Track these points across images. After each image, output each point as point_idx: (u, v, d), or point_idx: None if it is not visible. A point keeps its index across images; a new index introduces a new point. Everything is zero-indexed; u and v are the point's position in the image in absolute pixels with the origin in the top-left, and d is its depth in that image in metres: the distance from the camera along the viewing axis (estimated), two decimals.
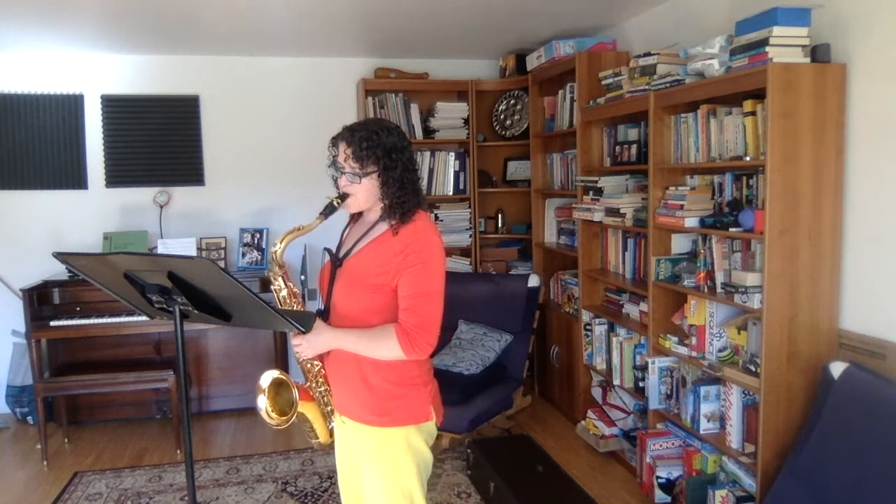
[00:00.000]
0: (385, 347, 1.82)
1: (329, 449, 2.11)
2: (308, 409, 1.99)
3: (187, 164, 4.74)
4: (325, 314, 1.95)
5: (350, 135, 1.83)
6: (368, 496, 1.98)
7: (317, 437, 2.05)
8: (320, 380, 2.01)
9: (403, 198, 1.84)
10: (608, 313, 3.83)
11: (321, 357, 1.99)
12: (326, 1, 3.49)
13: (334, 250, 2.00)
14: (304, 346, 1.88)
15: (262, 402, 1.91)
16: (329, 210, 1.86)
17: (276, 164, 4.85)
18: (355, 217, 2.04)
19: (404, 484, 1.93)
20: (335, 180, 1.91)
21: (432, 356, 1.93)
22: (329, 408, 2.04)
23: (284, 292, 1.94)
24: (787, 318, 2.56)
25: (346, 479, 2.14)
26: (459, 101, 4.90)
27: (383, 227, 1.89)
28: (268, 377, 1.93)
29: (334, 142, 1.88)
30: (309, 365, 1.99)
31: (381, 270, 1.83)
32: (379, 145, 1.81)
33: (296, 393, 1.92)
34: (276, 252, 1.89)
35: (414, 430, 1.92)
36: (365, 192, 1.85)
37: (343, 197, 1.87)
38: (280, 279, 1.92)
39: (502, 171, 5.14)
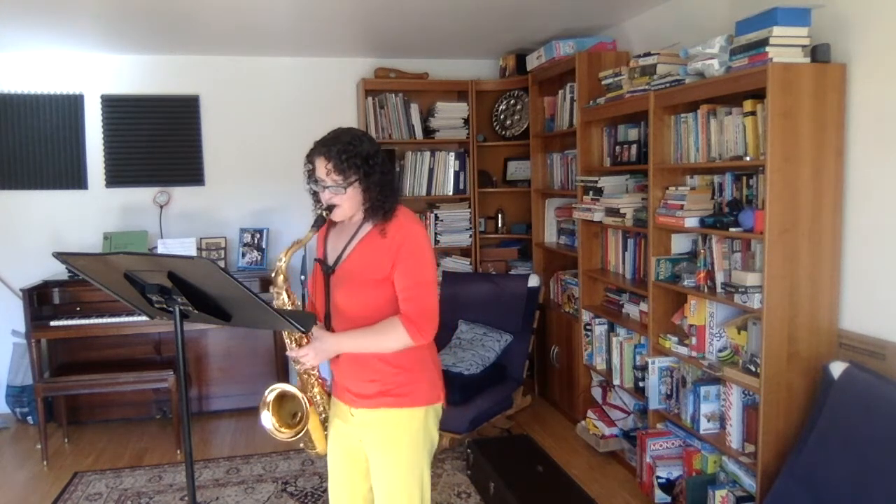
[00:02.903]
0: (392, 339, 1.89)
1: (324, 455, 2.13)
2: (311, 419, 2.01)
3: (187, 164, 4.74)
4: (326, 322, 1.99)
5: (327, 150, 1.88)
6: (382, 482, 2.01)
7: (314, 448, 2.07)
8: (316, 388, 2.04)
9: (384, 198, 1.92)
10: (608, 313, 3.83)
11: (332, 358, 2.01)
12: (326, 1, 3.49)
13: (318, 259, 2.05)
14: (311, 356, 1.91)
15: (269, 420, 1.94)
16: (320, 222, 1.93)
17: (276, 164, 4.85)
18: (332, 224, 2.07)
19: (418, 465, 2.01)
20: (315, 194, 1.98)
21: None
22: (324, 416, 2.07)
23: (288, 304, 1.95)
24: (787, 318, 2.56)
25: (343, 480, 2.14)
26: (459, 101, 4.89)
27: (368, 227, 1.97)
28: (273, 391, 1.95)
29: (310, 158, 1.94)
30: (306, 376, 2.01)
31: (378, 266, 1.91)
32: (357, 154, 1.88)
33: (305, 404, 1.94)
34: (281, 267, 1.93)
35: (431, 410, 2.02)
36: (349, 202, 1.92)
37: (329, 208, 1.93)
38: (284, 292, 1.94)
39: (502, 171, 5.14)
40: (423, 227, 1.99)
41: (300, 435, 1.96)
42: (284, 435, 1.95)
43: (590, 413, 3.86)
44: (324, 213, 1.92)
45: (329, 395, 2.11)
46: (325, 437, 2.09)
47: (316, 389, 2.04)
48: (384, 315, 1.92)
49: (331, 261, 2.00)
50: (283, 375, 4.44)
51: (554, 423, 4.29)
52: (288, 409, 1.98)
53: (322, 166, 1.89)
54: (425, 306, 1.90)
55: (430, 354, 2.02)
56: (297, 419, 1.97)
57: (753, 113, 2.62)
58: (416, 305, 1.89)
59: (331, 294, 1.97)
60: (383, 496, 2.02)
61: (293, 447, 4.01)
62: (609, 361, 3.79)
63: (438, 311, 1.95)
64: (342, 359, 2.00)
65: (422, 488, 2.02)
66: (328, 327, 1.99)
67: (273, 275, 1.95)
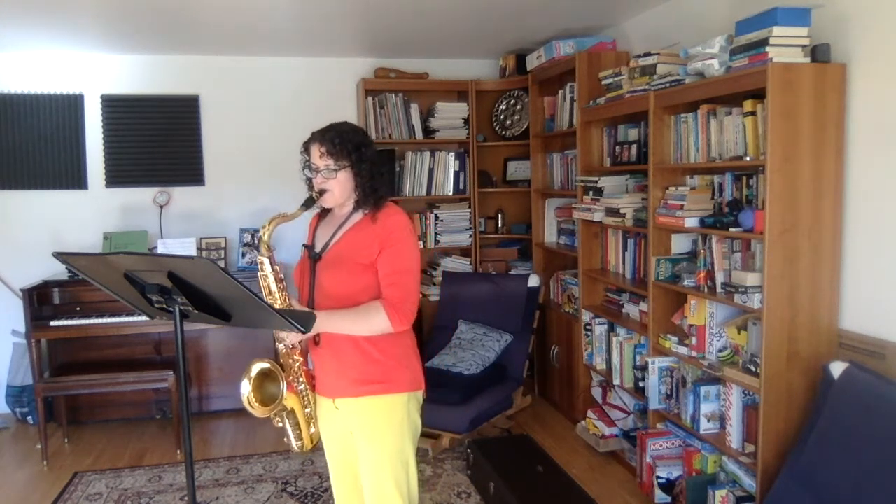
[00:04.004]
0: (373, 321, 1.94)
1: (316, 455, 2.13)
2: (294, 403, 2.03)
3: (187, 164, 4.74)
4: (309, 307, 2.02)
5: (321, 136, 2.00)
6: (368, 468, 2.05)
7: (300, 439, 2.07)
8: (301, 378, 2.06)
9: (375, 186, 2.02)
10: (608, 313, 3.83)
11: (313, 346, 2.05)
12: (326, 1, 3.49)
13: (306, 245, 2.11)
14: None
15: (246, 389, 1.94)
16: (309, 202, 2.01)
17: (276, 164, 4.84)
18: (322, 216, 2.17)
19: (403, 451, 2.05)
20: (309, 182, 2.07)
21: (427, 358, 1.98)
22: (308, 410, 2.08)
23: (268, 270, 1.97)
24: (787, 318, 2.56)
25: (344, 473, 2.18)
26: (459, 101, 4.90)
27: (358, 216, 2.06)
28: (257, 366, 1.97)
29: (306, 146, 2.05)
30: (290, 360, 2.03)
31: (368, 251, 1.98)
32: (349, 141, 2.00)
33: (283, 385, 1.96)
34: (262, 237, 1.98)
35: (413, 397, 2.07)
36: (340, 187, 2.01)
37: (321, 193, 2.01)
38: (267, 260, 1.97)
39: (502, 171, 5.14)
40: (410, 220, 2.07)
41: (272, 412, 1.97)
42: (255, 408, 1.96)
43: (590, 413, 3.86)
44: (314, 195, 2.00)
45: (313, 388, 2.12)
46: (312, 435, 2.10)
47: (301, 378, 2.05)
48: (368, 297, 1.99)
49: (318, 248, 2.07)
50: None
51: (554, 423, 4.29)
52: (270, 391, 1.99)
53: (316, 151, 2.00)
54: (408, 292, 1.98)
55: (409, 342, 2.09)
56: (281, 396, 1.99)
57: (753, 113, 2.62)
58: (399, 291, 1.96)
59: (317, 279, 2.02)
60: (370, 483, 2.06)
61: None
62: (609, 361, 3.79)
63: (419, 300, 2.05)
64: (324, 351, 2.02)
65: (408, 474, 2.07)
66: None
67: (256, 243, 1.98)
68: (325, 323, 1.94)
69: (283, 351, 2.01)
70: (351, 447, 2.11)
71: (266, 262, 1.96)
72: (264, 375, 1.98)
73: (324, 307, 1.99)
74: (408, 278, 1.98)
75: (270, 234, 1.97)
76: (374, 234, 1.99)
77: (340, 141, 1.97)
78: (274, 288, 1.97)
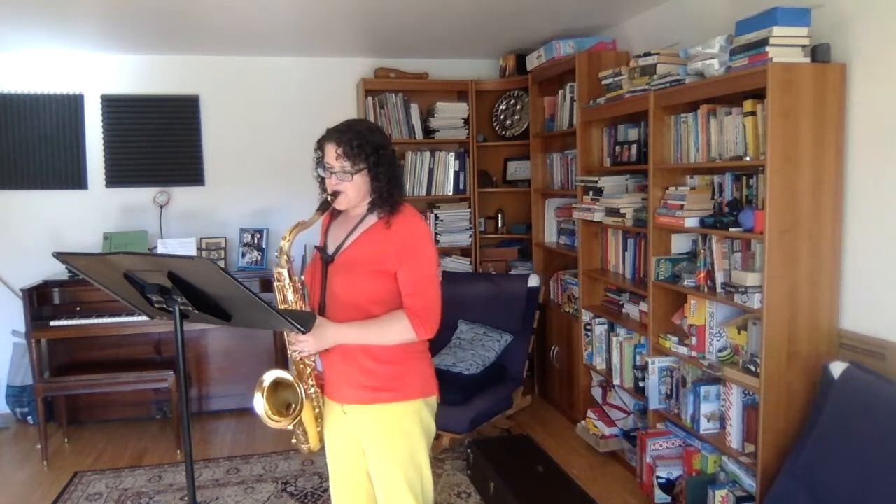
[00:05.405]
0: (396, 331, 1.92)
1: (316, 455, 2.12)
2: (307, 410, 2.00)
3: (187, 164, 4.74)
4: (321, 311, 1.99)
5: (338, 135, 1.93)
6: (381, 476, 2.02)
7: (306, 442, 2.06)
8: (311, 381, 2.03)
9: (392, 190, 1.96)
10: (608, 313, 3.83)
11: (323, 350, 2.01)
12: (326, 1, 3.49)
13: (318, 247, 2.06)
14: (311, 342, 1.90)
15: (260, 404, 1.92)
16: (325, 206, 1.95)
17: (276, 164, 4.85)
18: (335, 215, 2.10)
19: (416, 457, 2.01)
20: (322, 181, 2.00)
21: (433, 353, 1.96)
22: (317, 410, 2.06)
23: (286, 281, 1.94)
24: (787, 318, 2.56)
25: (344, 477, 2.15)
26: (459, 101, 4.90)
27: (372, 219, 1.99)
28: (270, 376, 1.94)
29: (320, 144, 1.97)
30: (302, 366, 2.00)
31: (381, 258, 1.93)
32: (368, 143, 1.92)
33: (301, 392, 1.92)
34: (284, 247, 1.93)
35: (424, 403, 2.03)
36: (355, 189, 1.94)
37: (334, 195, 1.95)
38: (286, 271, 1.94)
39: (502, 171, 5.14)
40: (426, 223, 2.02)
41: (291, 424, 1.95)
42: (274, 421, 1.93)
43: (590, 413, 3.86)
44: (329, 198, 1.94)
45: (323, 389, 2.10)
46: (319, 433, 2.08)
47: (311, 382, 2.02)
48: (380, 305, 1.94)
49: (331, 250, 2.02)
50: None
51: (554, 423, 4.29)
52: (282, 398, 1.97)
53: (332, 151, 1.92)
54: (430, 300, 1.94)
55: (421, 347, 2.04)
56: (290, 410, 1.95)
57: (753, 113, 2.62)
58: (422, 300, 1.92)
59: (328, 282, 1.98)
60: (383, 489, 2.03)
61: (293, 447, 4.00)
62: (609, 361, 3.79)
63: (441, 307, 1.98)
64: (333, 355, 2.00)
65: (422, 481, 2.04)
66: (322, 315, 1.98)
67: (276, 255, 1.94)
68: (346, 334, 1.92)
69: (297, 358, 1.97)
70: (355, 452, 2.09)
71: (285, 272, 1.92)
72: (276, 383, 1.95)
73: (334, 313, 1.95)
74: (429, 285, 1.94)
75: (291, 243, 1.92)
76: (390, 240, 1.93)
77: (359, 143, 1.90)
78: (291, 298, 1.93)
